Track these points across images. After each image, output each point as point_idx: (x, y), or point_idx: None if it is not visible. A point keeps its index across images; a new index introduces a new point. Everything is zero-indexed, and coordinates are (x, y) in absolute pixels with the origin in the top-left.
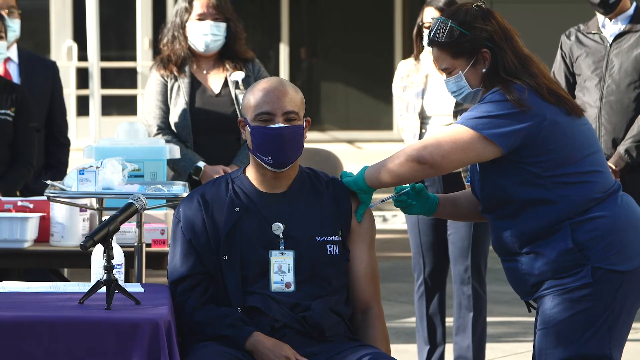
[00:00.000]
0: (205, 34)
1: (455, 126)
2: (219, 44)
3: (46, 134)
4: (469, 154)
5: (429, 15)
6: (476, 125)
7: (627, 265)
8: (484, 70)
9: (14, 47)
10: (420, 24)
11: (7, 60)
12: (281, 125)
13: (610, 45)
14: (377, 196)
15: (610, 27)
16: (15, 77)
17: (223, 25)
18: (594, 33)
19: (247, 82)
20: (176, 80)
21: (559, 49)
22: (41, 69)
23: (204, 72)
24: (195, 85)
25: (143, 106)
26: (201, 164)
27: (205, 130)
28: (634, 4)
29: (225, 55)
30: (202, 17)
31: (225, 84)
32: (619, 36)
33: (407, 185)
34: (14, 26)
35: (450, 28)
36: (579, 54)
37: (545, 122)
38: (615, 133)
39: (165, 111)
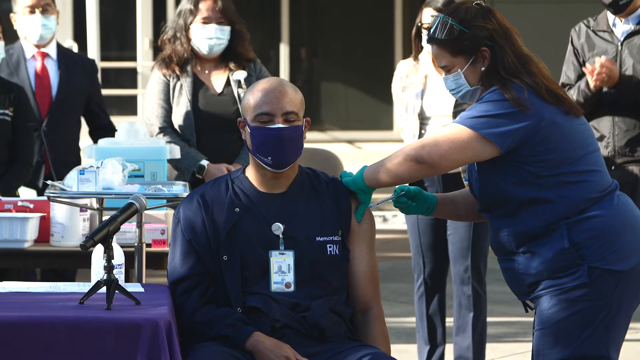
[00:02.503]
0: (209, 38)
1: (454, 125)
2: (222, 47)
3: (90, 130)
4: (467, 153)
5: (428, 16)
6: (474, 125)
7: (624, 265)
8: (483, 68)
9: (53, 44)
10: (419, 24)
11: (46, 56)
12: (280, 125)
13: (622, 44)
14: (377, 196)
15: (620, 27)
16: (53, 74)
17: (227, 28)
18: (604, 31)
19: (249, 81)
20: (178, 79)
21: (570, 44)
22: (79, 67)
23: (206, 71)
24: (198, 85)
25: (144, 105)
26: (204, 162)
27: (208, 130)
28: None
29: (228, 57)
30: (206, 21)
31: (228, 83)
32: (629, 36)
33: (406, 185)
34: (50, 24)
35: (450, 26)
36: (590, 54)
37: (543, 121)
38: (629, 132)
39: (168, 110)
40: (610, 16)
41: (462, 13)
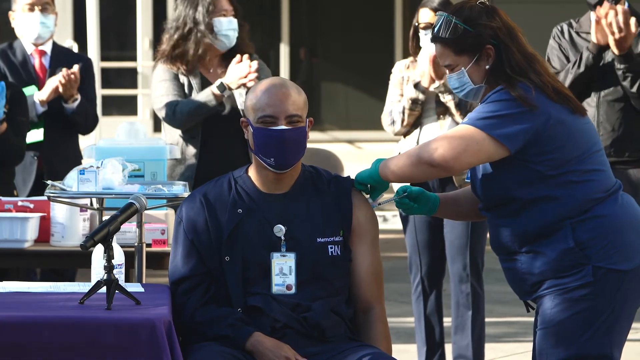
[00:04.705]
0: (233, 29)
1: (465, 127)
2: (236, 39)
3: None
4: (480, 156)
5: (425, 16)
6: (485, 126)
7: (628, 264)
8: (487, 67)
9: (49, 43)
10: (416, 24)
11: (44, 54)
12: (284, 127)
13: None
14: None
15: None
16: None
17: (235, 20)
18: (587, 33)
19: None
20: (186, 76)
21: (552, 39)
22: (68, 61)
23: (210, 70)
24: (205, 84)
25: (153, 93)
26: (218, 82)
27: (212, 128)
28: (625, 2)
29: (228, 54)
30: (225, 14)
31: None
32: None
33: (409, 186)
34: (48, 22)
35: (455, 24)
36: (573, 57)
37: (551, 120)
38: (615, 132)
39: (180, 96)
40: (592, 17)
41: (467, 12)
